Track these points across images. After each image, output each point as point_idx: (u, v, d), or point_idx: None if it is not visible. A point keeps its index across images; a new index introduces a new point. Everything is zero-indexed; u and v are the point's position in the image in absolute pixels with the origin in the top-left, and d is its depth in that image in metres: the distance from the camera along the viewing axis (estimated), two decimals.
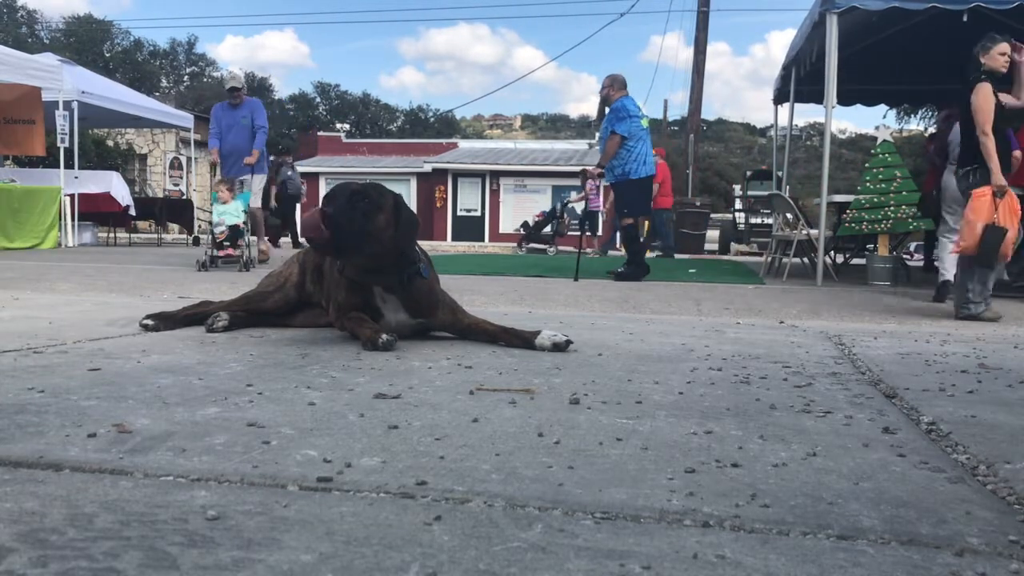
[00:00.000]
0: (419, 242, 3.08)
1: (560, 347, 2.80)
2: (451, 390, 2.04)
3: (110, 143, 23.80)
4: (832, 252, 8.64)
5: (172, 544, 1.00)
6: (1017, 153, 5.90)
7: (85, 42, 43.23)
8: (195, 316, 3.22)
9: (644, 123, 7.23)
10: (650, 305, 4.96)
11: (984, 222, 4.45)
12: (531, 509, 1.17)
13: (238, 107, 8.41)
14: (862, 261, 8.71)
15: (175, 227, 19.17)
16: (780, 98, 10.77)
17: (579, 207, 6.40)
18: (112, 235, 15.20)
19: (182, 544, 1.00)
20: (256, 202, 8.38)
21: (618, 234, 11.82)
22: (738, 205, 20.02)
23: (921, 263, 11.23)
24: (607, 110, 7.26)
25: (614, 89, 7.19)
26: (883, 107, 16.65)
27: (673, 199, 14.64)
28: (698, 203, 17.91)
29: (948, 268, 6.32)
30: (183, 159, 24.44)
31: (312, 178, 29.82)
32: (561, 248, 15.09)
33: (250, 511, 1.12)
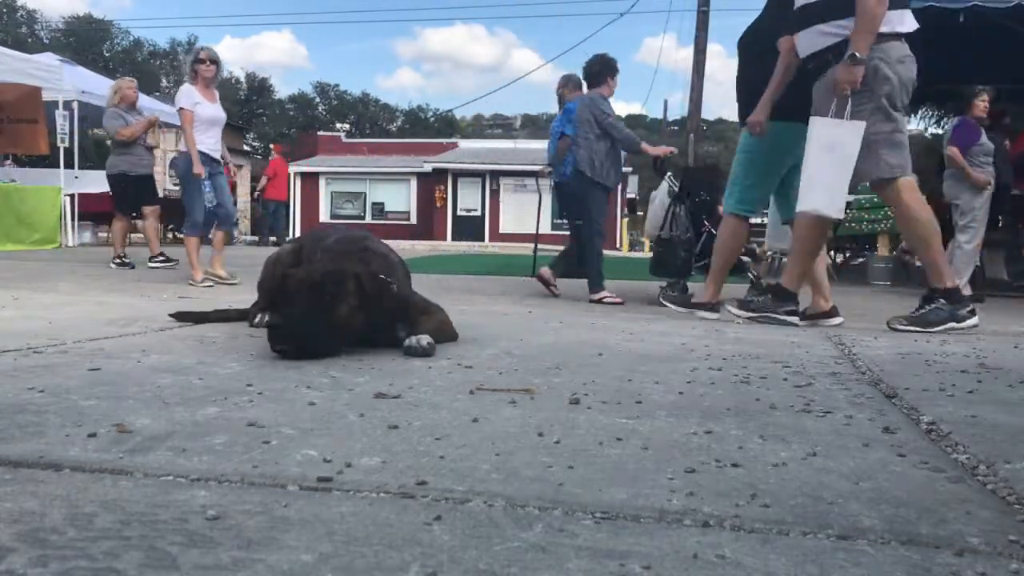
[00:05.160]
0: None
1: (428, 352, 2.56)
2: (451, 390, 2.04)
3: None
4: (832, 252, 8.64)
5: (172, 544, 1.00)
6: None
7: (85, 42, 43.23)
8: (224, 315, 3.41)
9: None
10: (650, 305, 4.95)
11: None
12: (531, 509, 1.17)
13: None
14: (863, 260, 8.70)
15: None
16: None
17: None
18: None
19: (182, 544, 1.00)
20: None
21: None
22: None
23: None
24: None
25: (568, 89, 7.18)
26: None
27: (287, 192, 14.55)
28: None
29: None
30: None
31: (312, 178, 29.83)
32: None
33: (250, 511, 1.12)
